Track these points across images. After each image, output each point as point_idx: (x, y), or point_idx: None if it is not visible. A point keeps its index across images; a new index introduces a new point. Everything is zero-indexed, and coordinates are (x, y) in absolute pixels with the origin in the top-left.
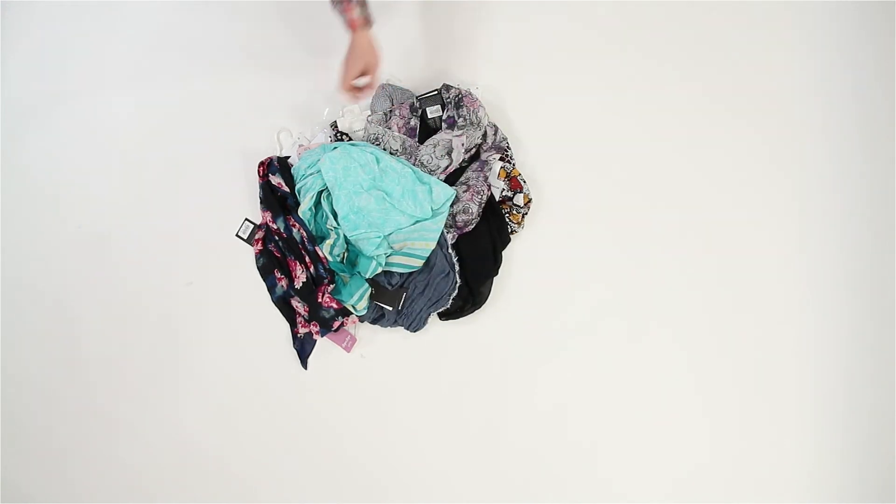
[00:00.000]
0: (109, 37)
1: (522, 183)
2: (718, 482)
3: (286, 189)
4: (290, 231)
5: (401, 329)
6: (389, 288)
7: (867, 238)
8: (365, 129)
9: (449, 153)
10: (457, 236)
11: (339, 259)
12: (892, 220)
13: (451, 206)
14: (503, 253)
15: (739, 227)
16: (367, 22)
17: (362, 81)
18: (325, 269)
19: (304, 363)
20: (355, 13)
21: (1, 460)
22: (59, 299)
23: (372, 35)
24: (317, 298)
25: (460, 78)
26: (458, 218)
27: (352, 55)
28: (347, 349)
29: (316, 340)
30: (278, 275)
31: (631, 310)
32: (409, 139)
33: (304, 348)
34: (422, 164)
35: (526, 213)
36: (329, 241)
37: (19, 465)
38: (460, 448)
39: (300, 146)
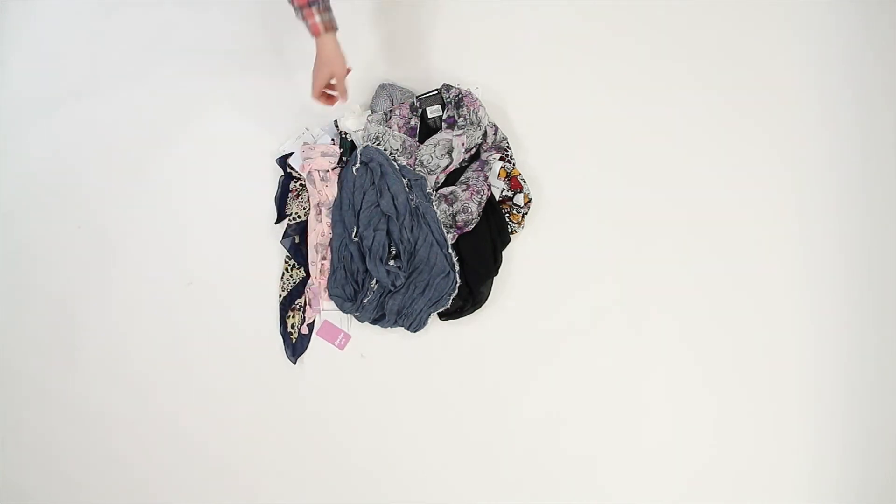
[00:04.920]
0: (109, 37)
1: (522, 183)
2: (718, 482)
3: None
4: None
5: (400, 329)
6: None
7: (868, 236)
8: (365, 128)
9: (449, 153)
10: (457, 236)
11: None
12: (893, 216)
13: (451, 205)
14: (503, 253)
15: (742, 227)
16: (329, 27)
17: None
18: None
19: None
20: (316, 18)
21: (1, 460)
22: (59, 299)
23: (335, 40)
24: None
25: (460, 78)
26: (458, 217)
27: (318, 63)
28: (341, 347)
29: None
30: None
31: (632, 309)
32: (409, 139)
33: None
34: (422, 163)
35: (526, 213)
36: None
37: (19, 465)
38: (461, 448)
39: (305, 143)
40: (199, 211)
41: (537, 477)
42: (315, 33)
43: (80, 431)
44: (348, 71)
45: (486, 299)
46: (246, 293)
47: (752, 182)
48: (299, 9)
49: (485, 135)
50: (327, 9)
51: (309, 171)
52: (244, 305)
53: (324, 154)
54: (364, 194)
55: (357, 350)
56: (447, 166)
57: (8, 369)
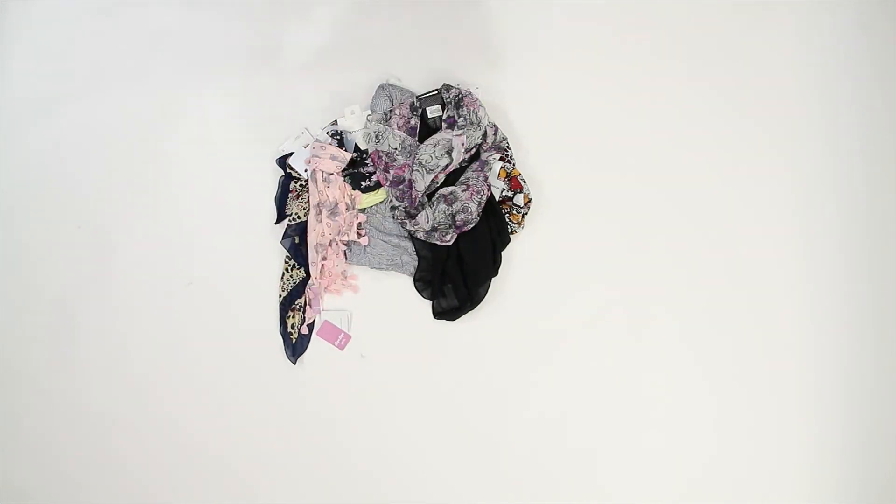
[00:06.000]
0: (109, 37)
1: (522, 183)
2: (719, 482)
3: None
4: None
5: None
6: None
7: (869, 236)
8: (365, 127)
9: (449, 152)
10: (455, 235)
11: None
12: (893, 216)
13: (451, 205)
14: (503, 253)
15: (742, 226)
16: None
17: None
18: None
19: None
20: None
21: (1, 460)
22: (59, 298)
23: None
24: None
25: (460, 78)
26: (458, 217)
27: None
28: (341, 347)
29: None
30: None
31: (632, 310)
32: (408, 138)
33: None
34: (421, 163)
35: (526, 213)
36: None
37: (19, 465)
38: (461, 448)
39: (317, 141)
40: (199, 211)
41: (538, 477)
42: None
43: (80, 431)
44: None
45: (483, 298)
46: (246, 293)
47: (752, 182)
48: None
49: (485, 135)
50: None
51: (313, 170)
52: (244, 305)
53: (333, 157)
54: None
55: (357, 350)
56: (447, 166)
57: (8, 369)
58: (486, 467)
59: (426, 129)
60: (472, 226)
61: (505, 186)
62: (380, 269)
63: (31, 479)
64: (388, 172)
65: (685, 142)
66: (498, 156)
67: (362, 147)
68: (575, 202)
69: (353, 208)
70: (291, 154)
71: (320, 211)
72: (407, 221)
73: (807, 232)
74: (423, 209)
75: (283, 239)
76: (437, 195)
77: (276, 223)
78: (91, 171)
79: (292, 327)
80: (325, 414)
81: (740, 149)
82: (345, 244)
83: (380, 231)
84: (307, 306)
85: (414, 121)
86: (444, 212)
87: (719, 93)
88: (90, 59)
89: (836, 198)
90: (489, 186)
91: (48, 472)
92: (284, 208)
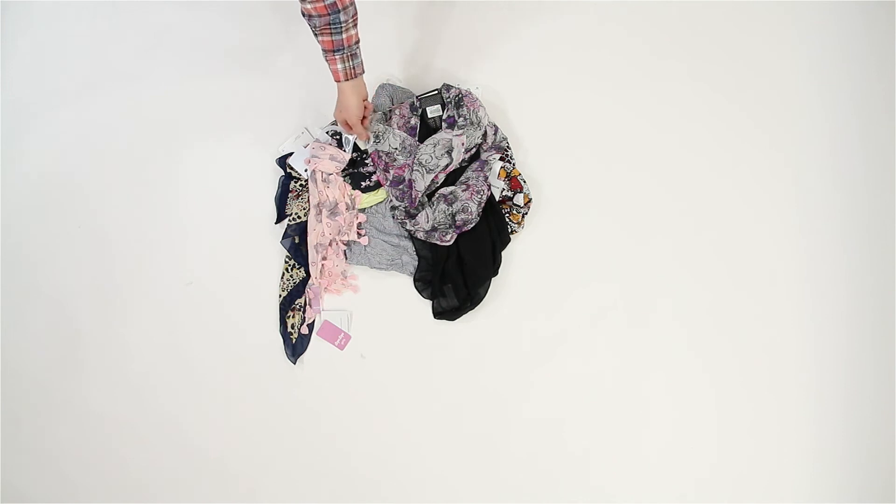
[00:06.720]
0: (109, 37)
1: (522, 183)
2: (719, 482)
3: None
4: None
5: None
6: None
7: (870, 235)
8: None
9: (449, 152)
10: (455, 235)
11: None
12: (894, 216)
13: (451, 205)
14: (503, 253)
15: (743, 226)
16: (350, 75)
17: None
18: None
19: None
20: (339, 66)
21: (1, 460)
22: (58, 299)
23: (354, 86)
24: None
25: (460, 78)
26: (458, 217)
27: (337, 105)
28: (341, 347)
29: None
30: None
31: (632, 309)
32: (408, 137)
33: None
34: (421, 163)
35: (526, 213)
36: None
37: (19, 465)
38: (461, 449)
39: (316, 140)
40: (198, 211)
41: (537, 477)
42: (336, 80)
43: (80, 432)
44: (366, 109)
45: (483, 298)
46: (246, 293)
47: (753, 182)
48: (325, 52)
49: (485, 135)
50: (353, 56)
51: (313, 170)
52: (244, 305)
53: (332, 158)
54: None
55: (357, 350)
56: (447, 166)
57: (8, 369)
58: (486, 467)
59: (426, 129)
60: (472, 226)
61: (505, 186)
62: (380, 269)
63: (31, 479)
64: (388, 172)
65: (685, 142)
66: (498, 156)
67: (362, 147)
68: (575, 202)
69: (353, 208)
70: (291, 154)
71: (320, 211)
72: (407, 221)
73: (807, 232)
74: (423, 209)
75: (283, 239)
76: (437, 195)
77: (276, 223)
78: (91, 171)
79: (292, 327)
80: (325, 414)
81: (740, 148)
82: (345, 244)
83: (380, 231)
84: (307, 306)
85: (414, 121)
86: (444, 212)
87: (720, 93)
88: (90, 59)
89: (836, 197)
90: (489, 186)
91: (48, 472)
92: (284, 208)
